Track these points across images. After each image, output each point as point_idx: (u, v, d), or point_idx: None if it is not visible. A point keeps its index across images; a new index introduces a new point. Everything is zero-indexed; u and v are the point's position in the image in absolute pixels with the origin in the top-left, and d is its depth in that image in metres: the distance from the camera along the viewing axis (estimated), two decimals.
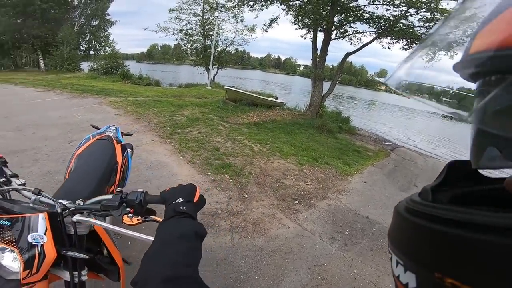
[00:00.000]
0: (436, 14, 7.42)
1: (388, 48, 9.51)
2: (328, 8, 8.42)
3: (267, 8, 9.39)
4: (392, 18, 8.35)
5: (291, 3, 8.93)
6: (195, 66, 19.81)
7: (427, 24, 8.04)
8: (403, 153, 8.26)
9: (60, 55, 19.01)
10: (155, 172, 3.79)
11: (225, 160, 4.52)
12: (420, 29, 8.38)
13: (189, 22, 18.14)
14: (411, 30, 8.38)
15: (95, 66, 18.06)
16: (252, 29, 16.68)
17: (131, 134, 2.49)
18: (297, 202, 3.60)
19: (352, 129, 9.56)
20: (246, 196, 3.52)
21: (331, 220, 3.32)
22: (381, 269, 2.65)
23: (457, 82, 0.29)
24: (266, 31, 10.93)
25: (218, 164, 4.31)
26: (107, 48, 24.24)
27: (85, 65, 20.69)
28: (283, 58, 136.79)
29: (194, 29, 18.44)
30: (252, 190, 3.70)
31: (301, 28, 9.91)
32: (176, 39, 18.82)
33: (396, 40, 9.22)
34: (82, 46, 24.67)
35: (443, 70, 0.30)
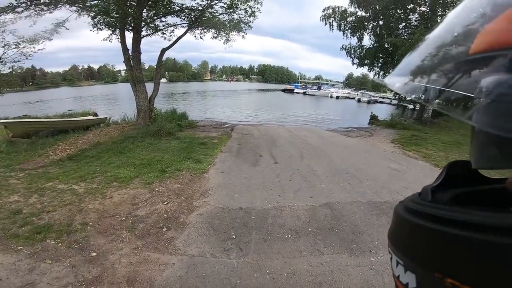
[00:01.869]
0: (234, 0, 8.49)
1: (201, 38, 10.11)
2: (135, 4, 7.80)
3: (50, 12, 7.45)
4: (200, 8, 8.83)
5: (88, 4, 7.53)
6: None
7: (228, 11, 9.08)
8: (241, 129, 9.16)
9: None
10: None
11: (37, 222, 3.07)
12: (224, 16, 9.38)
13: None
14: (216, 19, 9.22)
15: None
16: (33, 41, 12.57)
17: None
18: (165, 229, 2.96)
19: (192, 123, 9.49)
20: (94, 254, 2.55)
21: (212, 230, 2.95)
22: (286, 254, 2.57)
23: (457, 82, 0.28)
24: (50, 40, 9.20)
25: (28, 231, 2.88)
26: None
27: None
28: (96, 67, 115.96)
29: None
30: (99, 244, 2.71)
31: (101, 30, 8.62)
32: None
33: (206, 30, 9.90)
34: None
35: (443, 70, 0.29)
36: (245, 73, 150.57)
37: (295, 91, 53.34)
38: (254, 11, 9.25)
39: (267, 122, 13.13)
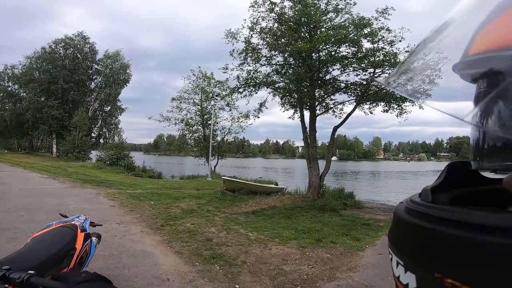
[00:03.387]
0: None
1: (371, 113, 9.69)
2: (308, 84, 8.93)
3: (256, 93, 9.98)
4: (364, 83, 8.84)
5: (276, 85, 9.59)
6: (195, 158, 19.55)
7: None
8: None
9: (72, 141, 19.37)
10: (136, 261, 3.48)
11: (217, 250, 4.10)
12: None
13: (189, 112, 18.84)
14: (384, 91, 8.57)
15: (102, 156, 18.29)
16: (246, 116, 17.05)
17: (101, 225, 2.42)
18: (299, 287, 3.09)
19: (358, 203, 9.06)
20: (237, 286, 3.06)
21: None
22: None
23: (457, 82, 0.28)
24: (258, 117, 11.48)
25: (208, 254, 3.90)
26: (116, 137, 24.56)
27: (94, 154, 20.93)
28: (281, 142, 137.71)
29: (194, 119, 18.96)
30: (244, 280, 3.23)
31: (287, 110, 10.23)
32: (178, 129, 19.23)
33: (374, 104, 9.42)
34: (94, 133, 25.10)
35: (443, 71, 0.29)
36: (430, 150, 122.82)
37: None
38: (434, 79, 8.04)
39: None
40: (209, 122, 18.17)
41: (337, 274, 3.44)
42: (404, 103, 8.76)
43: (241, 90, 9.87)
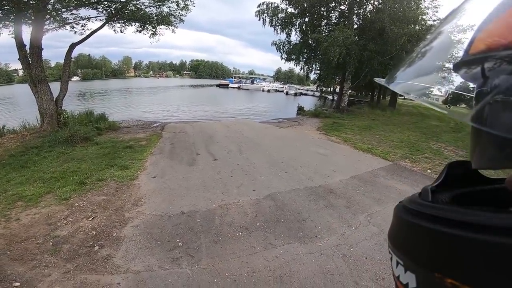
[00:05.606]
0: None
1: (121, 32, 9.16)
2: None
3: None
4: (123, 0, 7.94)
5: None
6: None
7: (157, 3, 8.35)
8: (173, 128, 8.60)
9: None
10: None
11: None
12: (151, 9, 8.57)
13: None
14: (142, 12, 8.43)
15: None
16: None
17: None
18: (97, 247, 2.58)
19: (114, 124, 8.42)
20: (17, 284, 2.11)
21: (154, 241, 2.68)
22: (241, 253, 2.50)
23: (457, 82, 0.28)
24: None
25: None
26: None
27: None
28: None
29: None
30: (18, 272, 2.23)
31: None
32: None
33: (128, 23, 9.00)
34: None
35: (443, 70, 0.28)
36: (176, 69, 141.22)
37: (229, 85, 53.35)
38: (187, 5, 8.72)
39: (202, 119, 12.73)
40: None
41: (126, 215, 3.20)
42: (159, 26, 9.13)
43: None
